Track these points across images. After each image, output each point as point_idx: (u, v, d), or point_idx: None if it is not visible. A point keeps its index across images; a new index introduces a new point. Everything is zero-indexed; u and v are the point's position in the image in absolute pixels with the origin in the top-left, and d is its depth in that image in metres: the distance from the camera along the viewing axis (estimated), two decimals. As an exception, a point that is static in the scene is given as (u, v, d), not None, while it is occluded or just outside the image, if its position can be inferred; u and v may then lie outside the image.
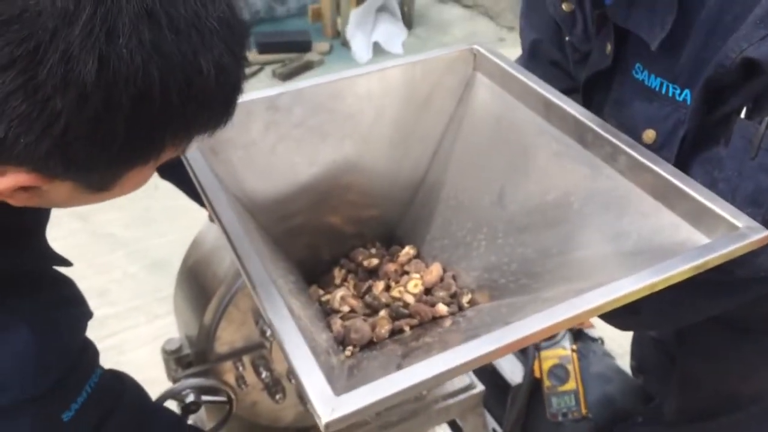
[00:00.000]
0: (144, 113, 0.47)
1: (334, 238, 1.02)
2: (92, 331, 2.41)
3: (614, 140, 0.77)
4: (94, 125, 0.46)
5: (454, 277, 0.92)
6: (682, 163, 0.82)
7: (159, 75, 0.46)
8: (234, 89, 0.55)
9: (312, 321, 0.77)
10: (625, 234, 0.74)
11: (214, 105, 0.53)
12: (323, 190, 0.95)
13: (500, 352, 0.53)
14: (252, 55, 3.59)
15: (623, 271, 0.64)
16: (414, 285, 0.91)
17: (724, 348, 1.07)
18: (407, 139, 0.97)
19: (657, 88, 0.82)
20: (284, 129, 0.87)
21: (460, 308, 0.87)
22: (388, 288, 0.93)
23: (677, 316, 0.89)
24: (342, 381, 0.56)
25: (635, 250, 0.72)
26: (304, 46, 3.58)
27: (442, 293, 0.88)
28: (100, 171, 0.52)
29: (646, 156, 0.73)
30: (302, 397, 1.12)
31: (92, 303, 2.48)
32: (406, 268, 0.97)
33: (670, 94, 0.80)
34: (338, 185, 0.96)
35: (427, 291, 0.90)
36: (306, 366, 0.50)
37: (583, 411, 1.46)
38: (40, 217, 0.73)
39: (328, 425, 0.46)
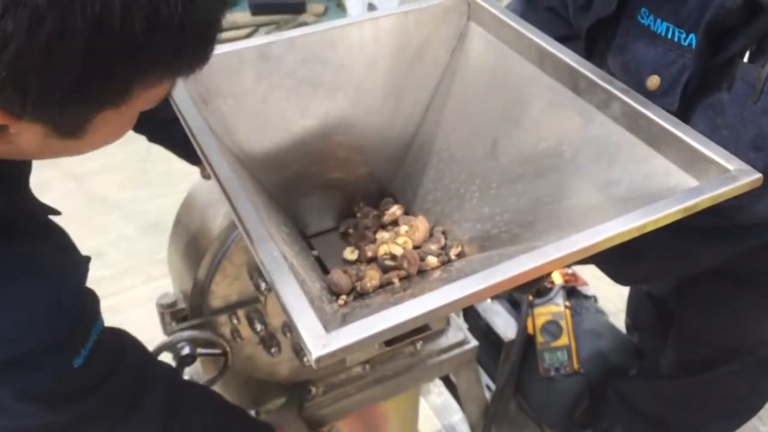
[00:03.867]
0: (103, 42, 0.44)
1: (327, 192, 1.01)
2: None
3: (608, 87, 0.76)
4: (47, 52, 0.43)
5: (444, 232, 0.92)
6: (685, 110, 0.81)
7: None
8: (209, 24, 0.50)
9: (305, 270, 0.77)
10: (616, 181, 0.74)
11: (185, 40, 0.48)
12: (315, 143, 0.95)
13: (488, 291, 0.53)
14: (245, 16, 3.55)
15: (614, 217, 0.64)
16: (403, 242, 0.91)
17: (722, 300, 1.08)
18: (400, 91, 0.97)
19: (663, 33, 0.81)
20: (275, 78, 0.86)
21: (450, 260, 0.87)
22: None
23: (677, 266, 0.89)
24: (334, 324, 0.56)
25: (627, 197, 0.72)
26: (299, 8, 3.54)
27: (432, 246, 0.88)
28: (64, 110, 0.48)
29: (639, 102, 0.73)
30: (297, 349, 1.13)
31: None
32: (400, 220, 0.97)
33: (676, 39, 0.79)
34: (331, 138, 0.95)
35: (417, 247, 0.90)
36: (297, 303, 0.50)
37: (575, 366, 1.47)
38: (22, 168, 0.70)
39: (318, 359, 0.47)
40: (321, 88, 0.90)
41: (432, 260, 0.86)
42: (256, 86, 0.85)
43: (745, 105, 0.73)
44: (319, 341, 0.47)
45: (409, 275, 0.84)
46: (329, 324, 0.52)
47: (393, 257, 0.87)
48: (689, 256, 0.86)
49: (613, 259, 0.86)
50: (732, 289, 1.04)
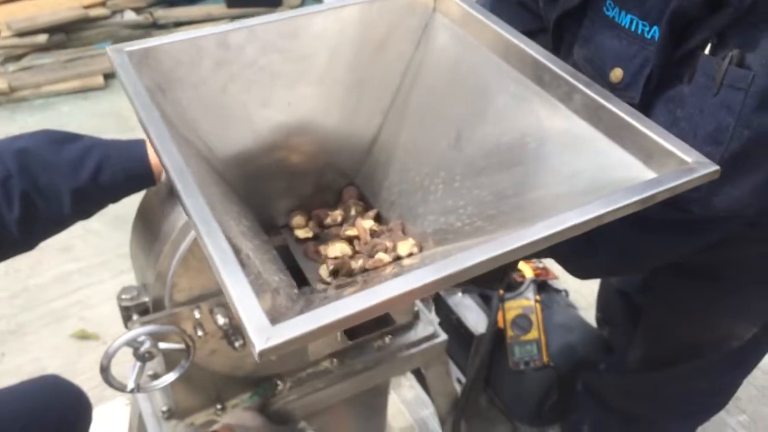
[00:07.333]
0: None
1: (293, 185, 1.00)
2: (57, 287, 2.40)
3: (570, 79, 0.75)
4: None
5: (403, 226, 0.92)
6: (647, 103, 0.81)
7: None
8: None
9: (263, 263, 0.75)
10: (579, 174, 0.74)
11: None
12: (278, 135, 0.93)
13: (440, 283, 0.52)
14: (220, 8, 3.51)
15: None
16: (338, 249, 0.90)
17: (687, 296, 1.09)
18: (364, 83, 0.95)
19: (627, 26, 0.81)
20: (235, 68, 0.84)
21: (399, 258, 0.86)
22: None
23: (636, 259, 0.89)
24: (287, 317, 0.55)
25: (588, 190, 0.71)
26: (275, 1, 3.50)
27: (389, 243, 0.87)
28: None
29: (600, 94, 0.72)
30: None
31: (56, 259, 2.47)
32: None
33: (639, 32, 0.79)
34: (293, 130, 0.94)
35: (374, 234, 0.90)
36: (243, 295, 0.49)
37: (545, 359, 1.48)
38: None
39: (262, 353, 0.45)
40: (281, 78, 0.88)
41: (383, 256, 0.84)
42: (215, 76, 0.84)
43: (704, 98, 0.72)
44: (263, 334, 0.46)
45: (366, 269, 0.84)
46: (282, 317, 0.51)
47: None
48: (646, 249, 0.86)
49: (569, 253, 0.86)
50: (695, 284, 1.05)
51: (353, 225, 0.91)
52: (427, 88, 0.95)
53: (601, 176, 0.71)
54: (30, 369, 1.84)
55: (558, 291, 1.65)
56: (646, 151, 0.68)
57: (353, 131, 0.99)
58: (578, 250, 0.85)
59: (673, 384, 1.22)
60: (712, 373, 1.17)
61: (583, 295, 2.05)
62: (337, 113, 0.96)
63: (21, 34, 3.06)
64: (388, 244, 0.88)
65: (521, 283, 1.56)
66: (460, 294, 1.61)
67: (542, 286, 1.61)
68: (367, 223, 0.90)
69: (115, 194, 0.97)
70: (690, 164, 0.63)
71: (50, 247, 2.28)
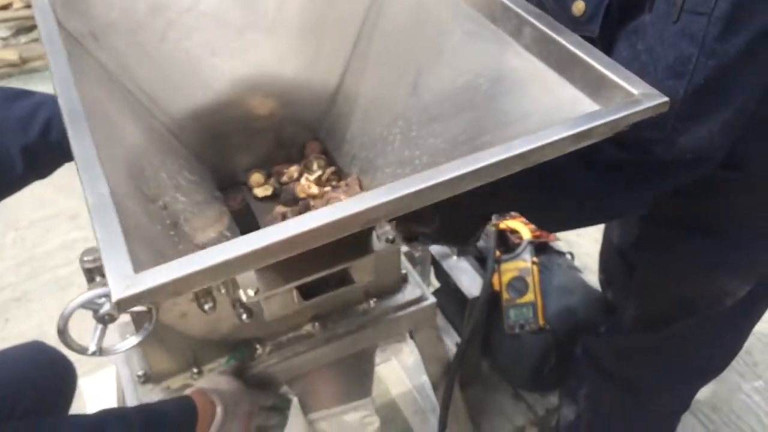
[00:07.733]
0: None
1: (252, 139, 0.96)
2: (62, 255, 2.39)
3: (520, 11, 0.69)
4: None
5: (360, 182, 0.87)
6: (610, 37, 0.74)
7: None
8: None
9: (194, 216, 0.72)
10: (529, 113, 0.68)
11: None
12: (232, 87, 0.89)
13: (339, 225, 0.47)
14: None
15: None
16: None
17: (678, 250, 1.02)
18: (321, 30, 0.90)
19: None
20: (173, 13, 0.80)
21: None
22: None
23: (602, 208, 0.82)
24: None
25: (538, 129, 0.65)
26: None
27: (343, 197, 0.83)
28: None
29: (549, 26, 0.66)
30: (235, 305, 1.08)
31: (63, 227, 2.46)
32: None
33: None
34: (248, 82, 0.89)
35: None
36: (108, 240, 0.44)
37: (541, 323, 1.42)
38: None
39: (120, 302, 0.41)
40: (227, 24, 0.84)
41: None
42: (152, 21, 0.79)
43: (665, 26, 0.65)
44: (123, 282, 0.42)
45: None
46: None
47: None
48: (612, 197, 0.79)
49: (533, 205, 0.80)
50: (686, 237, 0.98)
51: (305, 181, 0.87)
52: (388, 32, 0.89)
53: (550, 115, 0.65)
54: (32, 335, 1.85)
55: (561, 253, 1.59)
56: (592, 86, 0.61)
57: (314, 81, 0.94)
58: (539, 203, 0.79)
59: (668, 344, 1.16)
60: (707, 333, 1.10)
61: (594, 257, 1.98)
62: (294, 62, 0.91)
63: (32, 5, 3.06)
64: (343, 197, 0.84)
65: (518, 245, 1.50)
66: (455, 257, 1.56)
67: (542, 247, 1.54)
68: (313, 175, 0.85)
69: (69, 152, 0.94)
70: (636, 96, 0.57)
71: (58, 215, 2.30)
